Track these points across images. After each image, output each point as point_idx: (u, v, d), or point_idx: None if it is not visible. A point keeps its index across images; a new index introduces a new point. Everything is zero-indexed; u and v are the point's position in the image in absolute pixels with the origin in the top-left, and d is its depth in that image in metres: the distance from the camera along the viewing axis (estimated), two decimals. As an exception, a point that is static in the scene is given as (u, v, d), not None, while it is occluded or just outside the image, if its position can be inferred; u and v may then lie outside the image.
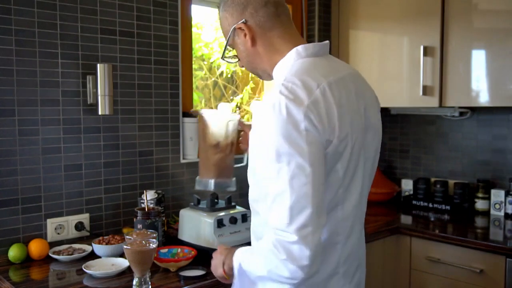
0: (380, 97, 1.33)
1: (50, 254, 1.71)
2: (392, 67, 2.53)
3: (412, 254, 2.23)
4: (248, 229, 1.68)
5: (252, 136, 1.08)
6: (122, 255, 1.67)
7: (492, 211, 2.46)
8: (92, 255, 1.72)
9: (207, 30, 2.59)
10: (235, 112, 2.65)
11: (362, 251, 1.26)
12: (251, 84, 2.73)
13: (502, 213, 2.42)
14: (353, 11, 2.68)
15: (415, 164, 2.86)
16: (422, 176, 2.78)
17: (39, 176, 1.80)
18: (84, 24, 1.88)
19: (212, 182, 1.78)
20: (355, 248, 1.19)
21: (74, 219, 1.89)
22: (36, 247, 1.70)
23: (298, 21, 2.78)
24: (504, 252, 1.93)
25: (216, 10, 2.40)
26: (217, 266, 1.25)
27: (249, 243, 1.28)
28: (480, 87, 2.25)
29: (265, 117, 1.02)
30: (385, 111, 2.88)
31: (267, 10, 1.16)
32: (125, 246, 1.30)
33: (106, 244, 1.71)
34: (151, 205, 1.84)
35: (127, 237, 1.32)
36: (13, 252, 1.66)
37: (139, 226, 1.70)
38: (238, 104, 2.72)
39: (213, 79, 2.63)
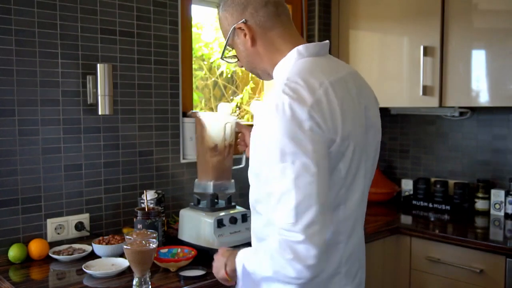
0: (380, 97, 1.34)
1: (50, 254, 1.71)
2: (392, 67, 2.53)
3: (412, 254, 2.23)
4: (248, 229, 1.69)
5: (254, 136, 1.07)
6: (122, 255, 1.67)
7: (492, 211, 2.46)
8: (92, 255, 1.72)
9: (207, 30, 2.59)
10: (235, 112, 2.66)
11: (363, 251, 1.26)
12: (251, 84, 2.73)
13: (502, 213, 2.42)
14: (353, 11, 2.68)
15: (415, 164, 2.86)
16: (422, 176, 2.78)
17: (39, 176, 1.80)
18: (84, 24, 1.88)
19: (211, 184, 1.78)
20: (356, 247, 1.19)
21: (74, 219, 1.89)
22: (36, 247, 1.70)
23: (298, 21, 2.78)
24: (504, 252, 1.93)
25: (216, 10, 2.40)
26: (219, 268, 1.23)
27: (249, 243, 1.28)
28: (480, 87, 2.25)
29: (268, 117, 1.01)
30: (385, 111, 2.88)
31: (267, 10, 1.16)
32: (125, 246, 1.30)
33: (106, 244, 1.71)
34: (151, 205, 1.84)
35: (127, 237, 1.32)
36: (13, 252, 1.66)
37: (139, 226, 1.70)
38: (238, 104, 2.72)
39: (213, 79, 2.63)
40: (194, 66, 2.43)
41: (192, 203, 1.84)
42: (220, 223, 1.72)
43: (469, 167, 2.63)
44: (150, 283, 1.33)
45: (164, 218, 1.84)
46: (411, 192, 2.75)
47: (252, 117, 2.70)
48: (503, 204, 2.42)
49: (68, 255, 1.70)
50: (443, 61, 2.34)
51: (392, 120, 2.94)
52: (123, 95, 2.01)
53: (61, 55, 1.83)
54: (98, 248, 1.69)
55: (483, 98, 2.26)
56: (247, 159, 1.39)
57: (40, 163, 1.80)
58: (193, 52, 2.33)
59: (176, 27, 2.17)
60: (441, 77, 2.35)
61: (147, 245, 1.31)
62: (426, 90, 2.39)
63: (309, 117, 0.99)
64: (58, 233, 1.85)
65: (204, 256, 1.66)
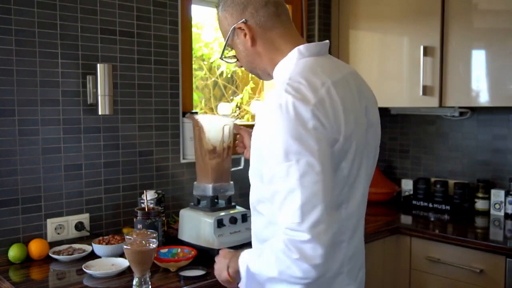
0: (380, 97, 1.34)
1: (50, 254, 1.71)
2: (392, 67, 2.53)
3: (412, 254, 2.23)
4: (248, 229, 1.69)
5: (256, 136, 1.07)
6: (122, 255, 1.67)
7: (492, 211, 2.46)
8: (92, 255, 1.72)
9: (207, 30, 2.59)
10: (235, 112, 2.66)
11: (363, 250, 1.26)
12: (251, 84, 2.73)
13: (502, 213, 2.42)
14: (353, 11, 2.68)
15: (415, 164, 2.86)
16: (422, 176, 2.78)
17: (39, 176, 1.80)
18: (84, 24, 1.88)
19: (210, 187, 1.78)
20: (358, 247, 1.20)
21: (74, 219, 1.89)
22: (36, 247, 1.70)
23: (298, 21, 2.78)
24: (504, 252, 1.93)
25: (215, 10, 2.40)
26: (221, 270, 1.22)
27: (249, 243, 1.28)
28: (480, 87, 2.25)
29: (271, 116, 1.01)
30: (385, 111, 2.88)
31: (268, 10, 1.16)
32: (125, 246, 1.30)
33: (106, 244, 1.71)
34: (151, 205, 1.84)
35: (127, 237, 1.32)
36: (13, 252, 1.66)
37: (139, 226, 1.70)
38: (238, 104, 2.72)
39: (213, 79, 2.63)
40: (194, 66, 2.43)
41: (192, 203, 1.84)
42: (220, 223, 1.72)
43: (469, 167, 2.63)
44: (150, 283, 1.33)
45: (164, 218, 1.84)
46: (411, 192, 2.75)
47: (252, 117, 2.70)
48: (503, 204, 2.42)
49: (68, 255, 1.70)
50: (443, 61, 2.34)
51: (392, 120, 2.94)
52: (123, 95, 2.01)
53: (61, 55, 1.83)
54: (98, 248, 1.69)
55: (483, 98, 2.26)
56: (246, 160, 1.39)
57: (40, 163, 1.80)
58: (193, 52, 2.33)
59: (176, 27, 2.17)
60: (441, 77, 2.35)
61: (147, 245, 1.30)
62: (426, 90, 2.39)
63: (313, 116, 0.99)
64: (58, 233, 1.85)
65: (204, 256, 1.66)
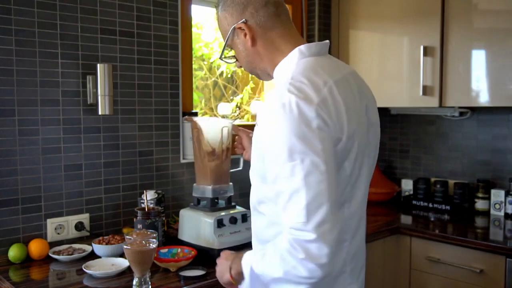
0: (380, 97, 1.34)
1: (50, 254, 1.71)
2: (392, 67, 2.53)
3: (412, 254, 2.23)
4: (248, 229, 1.69)
5: (258, 136, 1.07)
6: (122, 255, 1.67)
7: (492, 211, 2.46)
8: (92, 255, 1.72)
9: (207, 30, 2.60)
10: (235, 112, 2.66)
11: (365, 249, 1.26)
12: (251, 84, 2.73)
13: (502, 213, 2.42)
14: (353, 11, 2.68)
15: (415, 164, 2.86)
16: (422, 176, 2.78)
17: (39, 176, 1.80)
18: (84, 24, 1.88)
19: (209, 189, 1.78)
20: (360, 246, 1.20)
21: (74, 219, 1.89)
22: (36, 247, 1.70)
23: (298, 21, 2.78)
24: (504, 252, 1.93)
25: (215, 10, 2.40)
26: (223, 272, 1.21)
27: (249, 243, 1.28)
28: (480, 87, 2.25)
29: (274, 116, 1.01)
30: (385, 111, 2.88)
31: (268, 10, 1.16)
32: (125, 246, 1.30)
33: (106, 244, 1.71)
34: (151, 205, 1.84)
35: (127, 237, 1.32)
36: (13, 252, 1.66)
37: (139, 226, 1.70)
38: (238, 104, 2.72)
39: (213, 79, 2.63)
40: (194, 66, 2.43)
41: (192, 203, 1.84)
42: (220, 223, 1.72)
43: (469, 167, 2.63)
44: (150, 283, 1.33)
45: (164, 218, 1.84)
46: (411, 192, 2.75)
47: (252, 117, 2.70)
48: (503, 204, 2.42)
49: (68, 255, 1.70)
50: (443, 61, 2.34)
51: (392, 120, 2.94)
52: (123, 95, 2.01)
53: (61, 55, 1.83)
54: (98, 248, 1.69)
55: (483, 98, 2.26)
56: (245, 161, 1.39)
57: (40, 163, 1.80)
58: (193, 52, 2.33)
59: (176, 27, 2.17)
60: (441, 77, 2.35)
61: (147, 245, 1.31)
62: (426, 90, 2.39)
63: (317, 116, 0.99)
64: (58, 233, 1.85)
65: (204, 256, 1.66)
